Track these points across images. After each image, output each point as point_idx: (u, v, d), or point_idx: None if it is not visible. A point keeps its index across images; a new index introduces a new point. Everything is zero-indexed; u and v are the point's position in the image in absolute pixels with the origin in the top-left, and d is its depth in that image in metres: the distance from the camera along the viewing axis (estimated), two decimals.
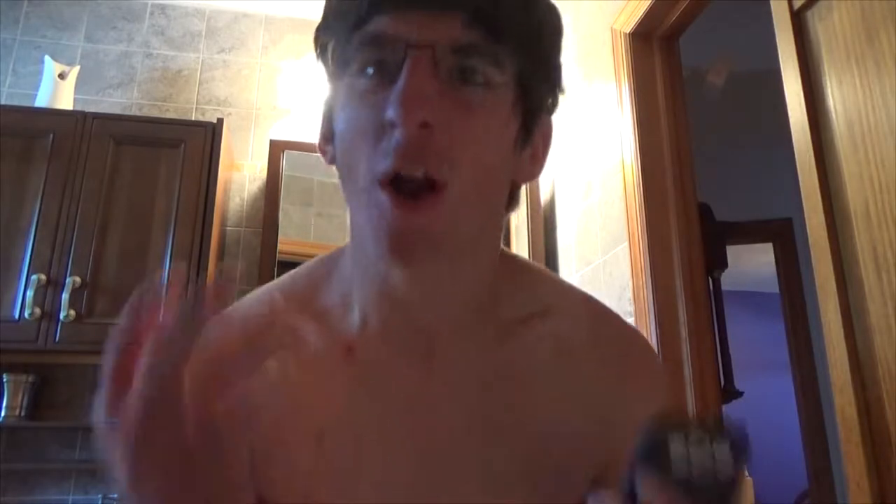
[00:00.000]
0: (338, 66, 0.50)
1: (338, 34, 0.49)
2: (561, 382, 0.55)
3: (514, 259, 0.61)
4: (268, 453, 0.52)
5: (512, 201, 0.55)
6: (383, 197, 0.45)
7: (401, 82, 0.44)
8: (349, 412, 0.53)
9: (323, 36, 0.52)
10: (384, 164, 0.45)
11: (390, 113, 0.44)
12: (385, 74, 0.46)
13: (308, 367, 0.54)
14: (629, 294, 1.78)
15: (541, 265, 0.67)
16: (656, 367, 0.63)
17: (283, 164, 2.36)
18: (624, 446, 0.48)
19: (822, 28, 1.14)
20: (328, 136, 0.54)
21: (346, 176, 0.50)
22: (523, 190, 2.60)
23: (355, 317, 0.55)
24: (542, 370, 0.55)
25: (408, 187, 0.45)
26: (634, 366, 0.58)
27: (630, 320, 1.77)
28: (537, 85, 0.51)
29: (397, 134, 0.44)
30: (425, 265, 0.49)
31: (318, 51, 0.53)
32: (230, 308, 0.57)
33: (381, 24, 0.45)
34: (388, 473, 0.53)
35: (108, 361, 0.38)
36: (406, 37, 0.45)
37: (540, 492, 0.54)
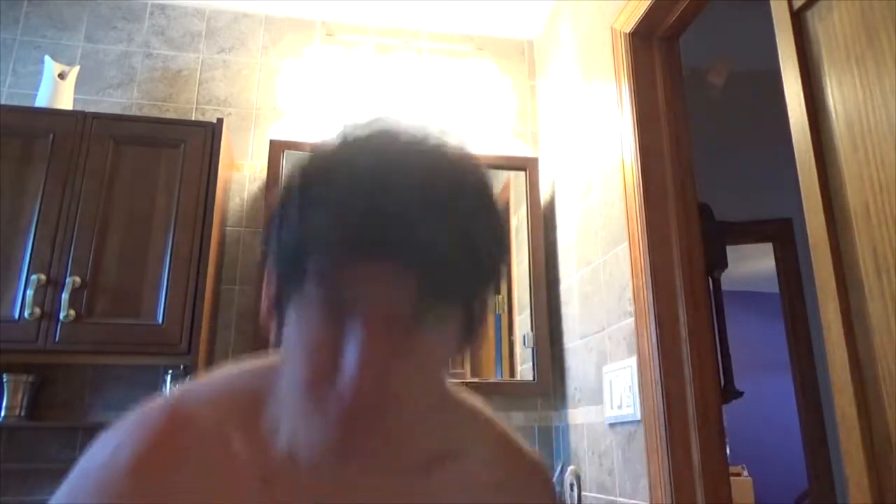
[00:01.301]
0: (288, 282, 0.51)
1: (291, 255, 0.49)
2: None
3: (446, 393, 0.63)
4: None
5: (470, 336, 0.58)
6: (329, 417, 0.48)
7: (359, 342, 0.46)
8: None
9: (274, 238, 0.51)
10: (337, 403, 0.47)
11: (349, 360, 0.46)
12: (340, 314, 0.47)
13: (222, 486, 0.55)
14: (629, 294, 1.78)
15: (466, 396, 0.68)
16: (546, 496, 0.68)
17: (283, 164, 2.36)
18: None
19: (822, 28, 1.14)
20: (272, 316, 0.54)
21: (289, 378, 0.52)
22: (523, 189, 2.60)
23: (283, 442, 0.56)
24: None
25: (358, 420, 0.48)
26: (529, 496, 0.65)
27: (630, 320, 1.77)
28: (480, 311, 0.53)
29: (350, 382, 0.46)
30: (365, 455, 0.52)
31: (268, 240, 0.53)
32: (182, 396, 0.60)
33: (336, 269, 0.47)
34: None
35: None
36: (361, 287, 0.46)
37: None
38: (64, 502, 0.56)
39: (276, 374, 0.58)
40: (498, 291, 0.52)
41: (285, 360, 0.53)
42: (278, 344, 0.54)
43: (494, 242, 0.51)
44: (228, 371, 0.63)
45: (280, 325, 0.53)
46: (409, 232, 0.45)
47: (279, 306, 0.52)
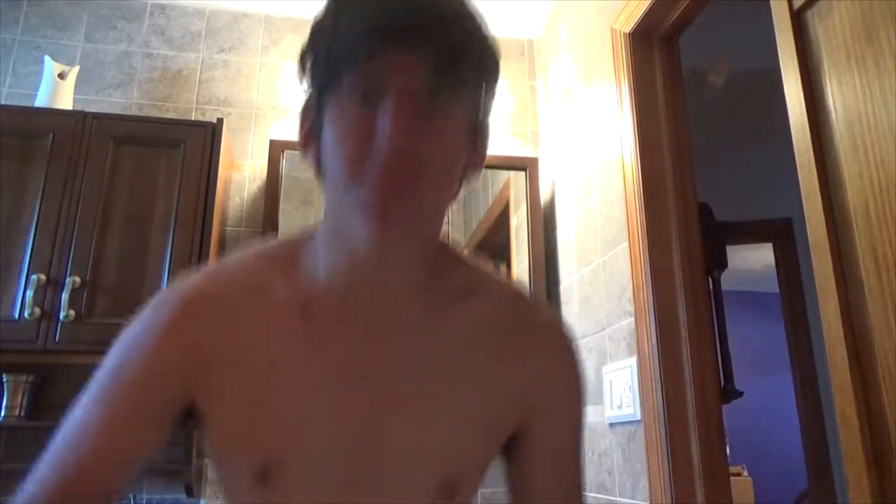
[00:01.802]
0: (325, 82, 0.58)
1: (329, 56, 0.57)
2: (486, 358, 0.66)
3: (452, 246, 0.71)
4: (224, 400, 0.60)
5: (458, 192, 0.65)
6: (369, 190, 0.55)
7: (390, 107, 0.54)
8: (298, 362, 0.61)
9: (311, 52, 0.60)
10: (374, 164, 0.54)
11: (383, 125, 0.53)
12: (372, 100, 0.55)
13: (265, 322, 0.61)
14: (629, 294, 1.78)
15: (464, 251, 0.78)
16: (563, 348, 0.71)
17: (283, 164, 2.36)
18: (530, 409, 0.67)
19: (822, 28, 1.14)
20: (309, 137, 0.62)
21: (332, 173, 0.59)
22: (523, 189, 2.60)
23: (320, 277, 0.63)
24: (472, 345, 0.65)
25: (394, 181, 0.55)
26: (544, 346, 0.69)
27: (630, 320, 1.77)
28: (488, 112, 0.64)
29: (384, 144, 0.53)
30: (402, 231, 0.57)
31: (303, 65, 0.61)
32: (220, 262, 0.68)
33: (372, 54, 0.54)
34: (330, 414, 0.61)
35: None
36: (396, 63, 0.54)
37: (460, 445, 0.64)
38: (111, 360, 0.63)
39: (309, 236, 0.66)
40: (495, 83, 0.60)
41: (326, 159, 0.59)
42: (318, 168, 0.61)
43: (493, 51, 0.62)
44: (265, 242, 0.70)
45: (317, 146, 0.60)
46: (429, 21, 0.55)
47: (317, 121, 0.59)
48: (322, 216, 0.65)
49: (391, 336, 0.62)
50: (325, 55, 0.57)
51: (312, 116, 0.61)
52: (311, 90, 0.60)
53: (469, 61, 0.57)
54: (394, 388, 0.62)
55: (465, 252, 0.75)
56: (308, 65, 0.59)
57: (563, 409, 0.70)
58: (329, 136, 0.58)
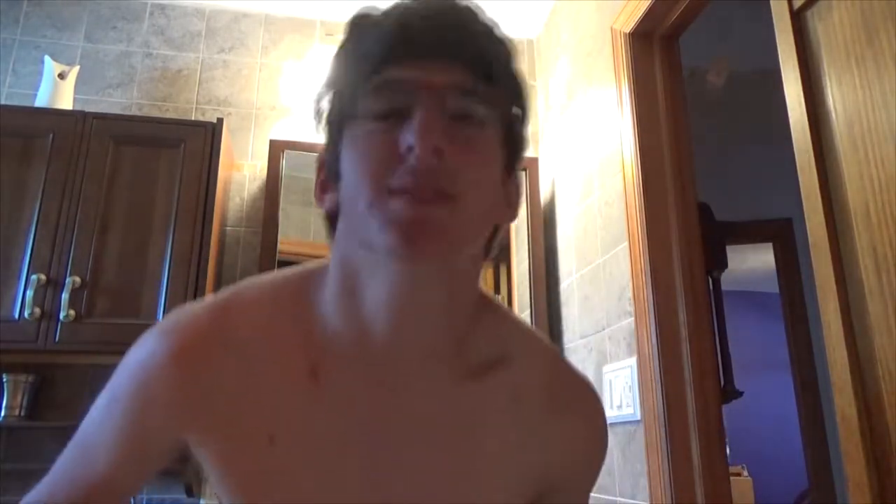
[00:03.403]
0: (344, 114, 0.55)
1: (349, 83, 0.54)
2: (510, 430, 0.60)
3: (487, 299, 0.64)
4: (224, 452, 0.57)
5: (491, 248, 0.61)
6: (397, 202, 0.50)
7: (417, 116, 0.50)
8: (304, 422, 0.56)
9: (329, 88, 0.57)
10: (400, 181, 0.50)
11: (408, 139, 0.49)
12: (396, 117, 0.51)
13: (271, 376, 0.56)
14: (629, 294, 1.78)
15: (508, 308, 0.70)
16: (597, 417, 0.67)
17: (283, 164, 2.36)
18: (558, 481, 0.63)
19: (822, 28, 1.14)
20: (328, 181, 0.58)
21: (351, 205, 0.53)
22: (524, 189, 2.61)
23: (330, 330, 0.57)
24: (495, 417, 0.60)
25: (423, 197, 0.50)
26: (578, 416, 0.65)
27: (630, 320, 1.77)
28: (519, 128, 0.59)
29: (413, 158, 0.49)
30: (429, 265, 0.53)
31: (321, 108, 0.58)
32: (228, 295, 0.61)
33: (394, 72, 0.52)
34: (332, 484, 0.56)
35: None
36: (418, 82, 0.51)
37: None
38: (106, 398, 0.59)
39: (322, 272, 0.60)
40: (524, 113, 0.58)
41: (345, 196, 0.54)
42: (332, 219, 0.58)
43: (520, 78, 0.58)
44: (271, 275, 0.64)
45: (334, 191, 0.56)
46: (456, 37, 0.52)
47: (333, 164, 0.56)
48: (332, 263, 0.59)
49: (404, 406, 0.57)
50: (343, 83, 0.55)
51: (329, 161, 0.57)
52: (327, 132, 0.57)
53: (497, 81, 0.54)
54: (404, 463, 0.57)
55: (499, 306, 0.67)
56: (324, 102, 0.57)
57: (586, 481, 0.68)
58: (348, 164, 0.53)
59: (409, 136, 0.49)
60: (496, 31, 0.56)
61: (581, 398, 0.66)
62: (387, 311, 0.55)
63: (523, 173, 2.49)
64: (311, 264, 0.63)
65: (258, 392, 0.56)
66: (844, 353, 1.03)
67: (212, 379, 0.56)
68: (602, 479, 1.89)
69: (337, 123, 0.56)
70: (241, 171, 2.42)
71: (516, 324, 0.67)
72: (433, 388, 0.58)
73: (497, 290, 2.46)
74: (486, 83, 0.53)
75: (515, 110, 0.57)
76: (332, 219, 0.59)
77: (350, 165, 0.53)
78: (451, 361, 0.58)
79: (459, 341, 0.59)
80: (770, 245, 3.36)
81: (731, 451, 3.45)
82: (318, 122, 0.58)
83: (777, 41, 1.22)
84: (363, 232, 0.52)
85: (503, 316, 0.66)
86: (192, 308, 0.60)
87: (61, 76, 2.20)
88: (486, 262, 0.62)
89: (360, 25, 0.55)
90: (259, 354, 0.56)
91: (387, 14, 0.54)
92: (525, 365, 0.62)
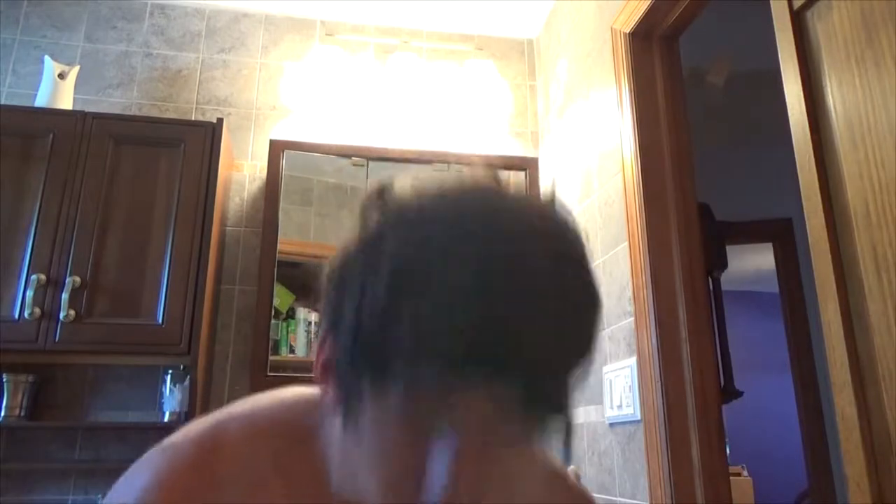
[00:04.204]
0: (363, 359, 0.43)
1: (377, 344, 0.41)
2: None
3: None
4: None
5: None
6: None
7: (456, 463, 0.41)
8: None
9: (350, 297, 0.43)
10: None
11: (441, 477, 0.41)
12: (426, 427, 0.41)
13: None
14: (629, 294, 1.78)
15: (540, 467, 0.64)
16: None
17: (283, 164, 2.36)
18: None
19: (822, 28, 1.14)
20: (328, 370, 0.48)
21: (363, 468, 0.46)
22: (523, 190, 2.60)
23: (333, 489, 0.52)
24: None
25: None
26: None
27: (630, 320, 1.77)
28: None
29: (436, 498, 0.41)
30: None
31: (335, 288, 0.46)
32: (215, 426, 0.54)
33: (462, 394, 0.40)
34: None
35: None
36: (473, 418, 0.40)
37: None
38: None
39: (321, 410, 0.53)
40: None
41: (358, 466, 0.47)
42: (334, 400, 0.48)
43: (595, 335, 0.45)
44: (265, 401, 0.57)
45: (341, 399, 0.46)
46: (530, 350, 0.39)
47: (341, 387, 0.46)
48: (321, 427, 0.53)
49: None
50: (367, 339, 0.42)
51: (336, 374, 0.47)
52: (335, 327, 0.46)
53: (569, 384, 0.43)
54: None
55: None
56: (337, 310, 0.45)
57: None
58: (364, 444, 0.45)
59: (442, 475, 0.41)
60: (590, 315, 0.43)
61: None
62: None
63: (523, 173, 2.49)
64: (307, 392, 0.56)
65: None
66: (844, 353, 1.02)
67: None
68: (602, 478, 1.89)
69: (350, 367, 0.44)
70: (241, 171, 2.42)
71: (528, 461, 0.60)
72: None
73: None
74: (560, 404, 0.43)
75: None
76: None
77: (363, 457, 0.46)
78: None
79: None
80: (770, 245, 3.36)
81: (731, 451, 3.45)
82: (329, 296, 0.46)
83: (777, 41, 1.22)
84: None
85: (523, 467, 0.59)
86: (176, 444, 0.54)
87: (61, 76, 2.20)
88: None
89: (412, 259, 0.40)
90: None
91: (494, 262, 0.39)
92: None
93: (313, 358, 0.49)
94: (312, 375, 0.49)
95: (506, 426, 0.41)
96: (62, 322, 1.87)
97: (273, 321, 2.21)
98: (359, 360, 0.42)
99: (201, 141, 2.10)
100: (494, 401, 0.40)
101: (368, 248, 0.43)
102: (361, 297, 0.41)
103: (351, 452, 0.49)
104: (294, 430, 0.54)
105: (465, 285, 0.38)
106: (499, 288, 0.38)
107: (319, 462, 0.52)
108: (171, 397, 2.02)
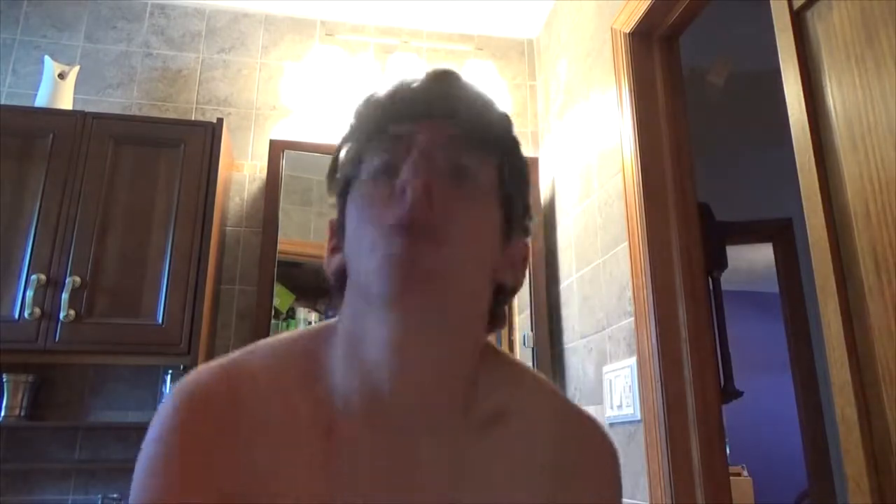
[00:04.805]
0: (349, 177, 0.58)
1: (353, 150, 0.59)
2: (523, 481, 0.60)
3: (491, 348, 0.65)
4: None
5: (496, 318, 0.62)
6: (394, 238, 0.52)
7: (409, 159, 0.54)
8: (324, 491, 0.55)
9: (339, 162, 0.61)
10: (395, 213, 0.52)
11: (403, 174, 0.53)
12: (394, 172, 0.55)
13: (288, 445, 0.56)
14: (629, 294, 1.78)
15: (512, 355, 0.71)
16: (609, 463, 0.67)
17: (283, 164, 2.36)
18: None
19: (822, 28, 1.14)
20: (338, 245, 0.61)
21: (356, 245, 0.56)
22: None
23: (341, 391, 0.58)
24: (507, 469, 0.60)
25: (416, 233, 0.52)
26: (588, 464, 0.65)
27: (630, 320, 1.77)
28: (516, 194, 0.60)
29: (408, 192, 0.52)
30: (423, 311, 0.54)
31: (333, 173, 0.61)
32: (235, 361, 0.60)
33: (392, 128, 0.57)
34: None
35: None
36: (411, 134, 0.56)
37: None
38: (134, 479, 0.55)
39: (331, 332, 0.61)
40: (522, 177, 0.62)
41: (350, 250, 0.57)
42: (340, 264, 0.60)
43: (510, 131, 0.62)
44: (282, 336, 0.64)
45: (341, 251, 0.59)
46: (452, 96, 0.58)
47: (340, 226, 0.59)
48: (339, 324, 0.61)
49: (415, 472, 0.57)
50: (348, 154, 0.59)
51: (338, 225, 0.61)
52: (338, 201, 0.61)
53: (489, 139, 0.58)
54: None
55: (503, 357, 0.68)
56: (332, 171, 0.61)
57: None
58: (352, 216, 0.57)
59: (403, 172, 0.53)
60: (491, 100, 0.61)
61: (591, 441, 0.67)
62: (388, 368, 0.56)
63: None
64: (319, 325, 0.64)
65: (275, 456, 0.55)
66: (844, 353, 1.03)
67: (224, 447, 0.55)
68: None
69: (343, 187, 0.59)
70: (241, 171, 2.42)
71: (521, 371, 0.68)
72: (443, 443, 0.58)
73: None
74: (478, 139, 0.57)
75: (512, 172, 0.59)
76: (335, 282, 0.62)
77: (353, 215, 0.57)
78: (460, 414, 0.59)
79: (466, 395, 0.60)
80: (770, 245, 3.36)
81: (731, 451, 3.45)
82: (330, 185, 0.61)
83: (777, 41, 1.22)
84: (364, 280, 0.55)
85: (507, 364, 0.67)
86: (200, 374, 0.59)
87: (61, 76, 2.21)
88: (494, 330, 0.63)
89: (365, 104, 0.61)
90: (271, 419, 0.56)
91: (387, 92, 0.59)
92: (533, 413, 0.63)
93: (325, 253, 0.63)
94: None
95: (444, 144, 0.55)
96: (62, 322, 1.87)
97: (273, 321, 2.21)
98: (344, 171, 0.59)
99: (201, 141, 2.10)
100: (434, 127, 0.56)
101: (347, 131, 0.62)
102: (344, 142, 0.61)
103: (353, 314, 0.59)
104: (309, 351, 0.61)
105: (388, 94, 0.60)
106: (407, 84, 0.59)
107: (333, 373, 0.59)
108: None
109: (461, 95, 0.59)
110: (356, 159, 0.58)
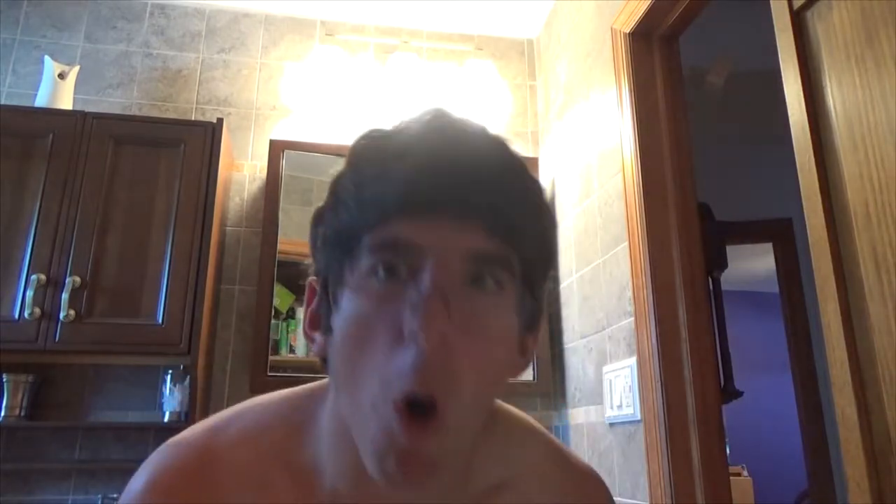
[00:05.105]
0: (343, 260, 0.49)
1: (350, 226, 0.48)
2: None
3: (493, 410, 0.59)
4: None
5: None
6: (394, 419, 0.44)
7: (423, 291, 0.44)
8: None
9: (327, 223, 0.51)
10: (401, 384, 0.44)
11: (412, 323, 0.43)
12: (398, 278, 0.46)
13: None
14: (629, 294, 1.78)
15: (511, 410, 0.65)
16: None
17: (283, 163, 2.36)
18: None
19: (822, 28, 1.14)
20: (318, 323, 0.52)
21: (347, 378, 0.48)
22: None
23: (327, 484, 0.53)
24: None
25: (417, 410, 0.44)
26: None
27: (630, 320, 1.77)
28: (540, 283, 0.53)
29: (416, 350, 0.43)
30: (421, 488, 0.48)
31: (316, 234, 0.52)
32: (216, 434, 0.55)
33: (399, 228, 0.46)
34: None
35: None
36: (425, 244, 0.45)
37: None
38: None
39: (315, 402, 0.56)
40: (550, 272, 0.53)
41: (335, 350, 0.49)
42: (322, 352, 0.51)
43: (549, 220, 0.53)
44: (262, 402, 0.58)
45: (326, 329, 0.50)
46: (476, 186, 0.46)
47: (327, 302, 0.50)
48: (327, 408, 0.55)
49: None
50: (343, 223, 0.48)
51: (320, 301, 0.52)
52: (322, 261, 0.51)
53: (520, 239, 0.48)
54: None
55: (505, 415, 0.63)
56: (322, 230, 0.51)
57: None
58: (345, 331, 0.48)
59: (411, 318, 0.44)
60: (521, 174, 0.50)
61: (588, 496, 0.65)
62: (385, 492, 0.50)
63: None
64: (313, 386, 0.58)
65: None
66: (844, 353, 1.02)
67: None
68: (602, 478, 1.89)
69: (333, 262, 0.50)
70: (241, 171, 2.42)
71: (522, 437, 0.64)
72: None
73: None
74: (505, 244, 0.47)
75: (539, 262, 0.51)
76: (324, 364, 0.54)
77: (341, 333, 0.48)
78: (459, 490, 0.55)
79: (465, 469, 0.55)
80: (770, 245, 3.36)
81: (731, 451, 3.45)
82: (315, 242, 0.52)
83: (777, 41, 1.22)
84: (357, 435, 0.48)
85: (508, 428, 0.63)
86: (177, 450, 0.55)
87: (61, 76, 2.21)
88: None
89: (365, 157, 0.49)
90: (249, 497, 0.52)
91: (397, 152, 0.47)
92: (533, 484, 0.60)
93: (305, 321, 0.54)
94: (312, 352, 0.53)
95: (466, 256, 0.46)
96: (62, 322, 1.87)
97: (273, 321, 2.21)
98: (340, 252, 0.48)
99: (201, 141, 2.10)
100: (449, 230, 0.46)
101: (336, 183, 0.51)
102: (335, 208, 0.49)
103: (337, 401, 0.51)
104: (291, 421, 0.56)
105: (411, 155, 0.46)
106: (438, 154, 0.47)
107: (318, 451, 0.54)
108: (171, 397, 2.02)
109: (492, 177, 0.47)
110: (352, 241, 0.48)
